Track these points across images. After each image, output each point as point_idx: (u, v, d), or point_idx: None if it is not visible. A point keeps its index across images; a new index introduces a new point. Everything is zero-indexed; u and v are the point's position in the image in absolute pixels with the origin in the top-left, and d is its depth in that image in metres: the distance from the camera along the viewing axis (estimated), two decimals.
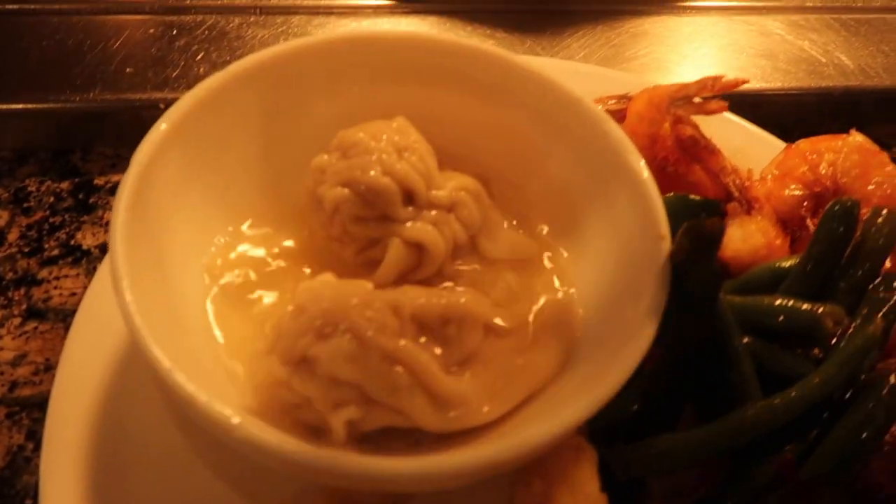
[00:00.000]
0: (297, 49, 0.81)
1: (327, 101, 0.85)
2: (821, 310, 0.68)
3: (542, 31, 1.18)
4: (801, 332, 0.69)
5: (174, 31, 1.10)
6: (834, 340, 0.69)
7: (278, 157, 0.83)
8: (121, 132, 1.04)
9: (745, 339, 0.70)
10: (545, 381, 0.71)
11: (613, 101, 1.01)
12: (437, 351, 0.72)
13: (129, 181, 0.68)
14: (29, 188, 1.02)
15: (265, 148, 0.83)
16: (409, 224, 0.78)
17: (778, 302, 0.70)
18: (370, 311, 0.66)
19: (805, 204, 0.87)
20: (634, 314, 0.68)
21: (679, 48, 1.20)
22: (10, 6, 1.12)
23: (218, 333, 0.72)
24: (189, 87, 0.76)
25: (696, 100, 0.86)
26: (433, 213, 0.80)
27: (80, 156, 1.06)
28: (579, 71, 1.08)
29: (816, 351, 0.69)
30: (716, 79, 0.84)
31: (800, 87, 1.18)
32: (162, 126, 0.73)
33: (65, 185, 1.02)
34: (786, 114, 1.17)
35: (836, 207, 0.72)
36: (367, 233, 0.79)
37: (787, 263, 0.76)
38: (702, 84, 0.84)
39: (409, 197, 0.79)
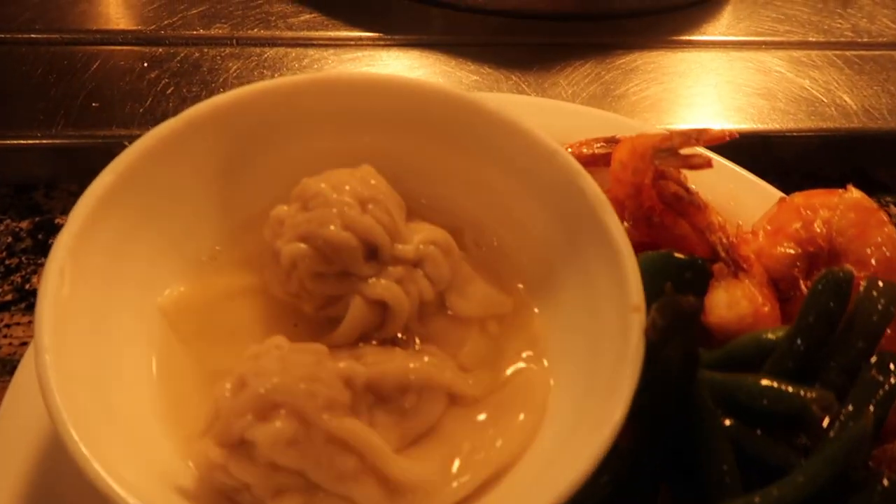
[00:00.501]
0: (257, 93, 0.77)
1: (290, 148, 0.80)
2: (809, 395, 0.62)
3: (529, 67, 1.13)
4: (786, 417, 0.63)
5: (145, 64, 1.06)
6: (825, 424, 0.63)
7: (237, 207, 0.79)
8: (88, 169, 0.99)
9: (727, 422, 0.65)
10: (509, 464, 0.66)
11: (600, 145, 0.96)
12: (393, 425, 0.67)
13: (64, 239, 0.64)
14: None
15: (223, 197, 0.78)
16: (371, 281, 0.74)
17: (763, 383, 0.65)
18: (318, 385, 0.62)
19: (798, 264, 0.81)
20: (605, 392, 0.63)
21: (672, 86, 1.15)
22: None
23: (164, 402, 0.68)
24: (157, 123, 0.72)
25: (683, 152, 0.81)
26: (398, 269, 0.75)
27: (44, 192, 1.02)
28: (565, 110, 1.03)
29: (803, 439, 0.64)
30: (701, 132, 0.79)
31: (799, 129, 1.12)
32: (106, 178, 0.68)
33: (24, 224, 0.99)
34: (785, 156, 1.11)
35: (827, 279, 0.66)
36: (327, 290, 0.74)
37: (774, 336, 0.71)
38: (686, 136, 0.79)
39: (372, 252, 0.74)
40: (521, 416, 0.70)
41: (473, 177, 0.82)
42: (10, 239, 0.97)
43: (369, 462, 0.61)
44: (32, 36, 1.09)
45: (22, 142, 0.98)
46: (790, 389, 0.63)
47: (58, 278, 0.62)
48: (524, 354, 0.76)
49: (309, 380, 0.61)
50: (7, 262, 0.95)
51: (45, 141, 0.98)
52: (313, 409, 0.60)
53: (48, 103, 1.01)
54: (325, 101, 0.80)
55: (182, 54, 1.08)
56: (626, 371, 0.62)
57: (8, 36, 1.08)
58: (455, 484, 0.64)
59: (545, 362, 0.74)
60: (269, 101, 0.78)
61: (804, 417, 0.62)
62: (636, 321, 0.64)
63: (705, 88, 1.16)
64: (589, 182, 0.73)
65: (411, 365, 0.69)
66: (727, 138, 0.79)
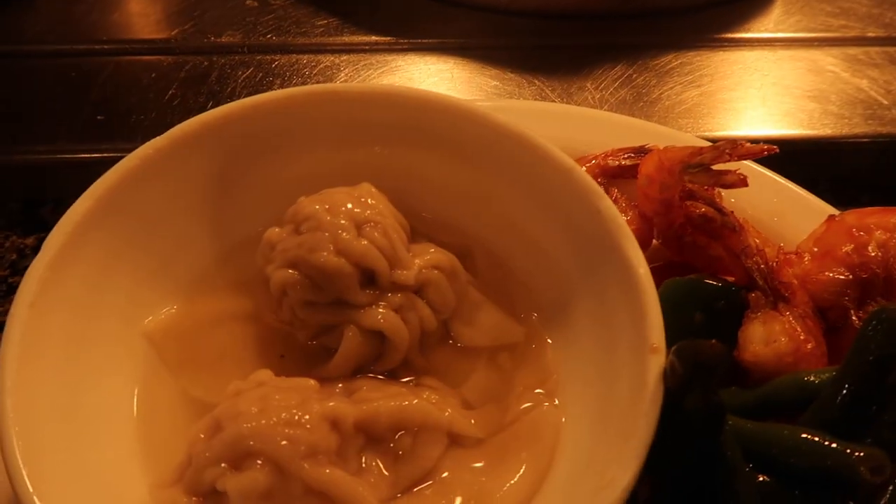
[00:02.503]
0: (248, 108, 0.72)
1: (287, 163, 0.76)
2: (857, 454, 0.54)
3: (554, 71, 1.05)
4: (829, 478, 0.55)
5: (153, 74, 1.03)
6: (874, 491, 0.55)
7: (230, 227, 0.75)
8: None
9: (759, 478, 0.57)
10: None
11: (628, 156, 0.88)
12: (385, 472, 0.62)
13: (36, 270, 0.61)
14: None
15: (215, 217, 0.74)
16: (367, 310, 0.68)
17: (802, 437, 0.57)
18: (299, 430, 0.57)
19: (849, 292, 0.72)
20: (619, 438, 0.56)
21: (712, 90, 1.06)
22: None
23: (141, 443, 0.64)
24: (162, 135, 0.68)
25: (715, 168, 0.72)
26: (397, 296, 0.70)
27: (52, 208, 1.00)
28: (590, 118, 0.95)
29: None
30: (735, 144, 0.70)
31: (855, 135, 1.01)
32: (84, 204, 0.65)
33: (30, 240, 0.97)
34: (838, 167, 1.01)
35: (881, 317, 0.57)
36: (319, 319, 0.69)
37: (817, 378, 0.62)
38: (718, 151, 0.70)
39: (370, 278, 0.69)
40: (527, 462, 0.63)
41: (484, 193, 0.76)
42: (14, 256, 0.95)
43: None
44: (43, 48, 1.08)
45: (29, 157, 0.96)
46: (835, 446, 0.55)
47: (27, 312, 0.58)
48: (535, 391, 0.69)
49: (290, 425, 0.56)
50: (10, 280, 0.93)
51: (48, 156, 0.96)
52: (292, 458, 0.55)
53: (54, 118, 0.99)
54: (322, 113, 0.75)
55: (190, 63, 1.04)
56: (640, 420, 0.55)
57: (18, 48, 1.07)
58: None
59: (556, 401, 0.67)
60: (262, 116, 0.73)
61: (850, 482, 0.54)
62: (654, 363, 0.56)
63: (749, 91, 1.06)
64: (607, 204, 0.66)
65: (407, 402, 0.63)
66: (765, 153, 0.70)
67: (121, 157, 0.69)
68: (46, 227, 0.97)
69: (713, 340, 0.52)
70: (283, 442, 0.55)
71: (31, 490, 0.50)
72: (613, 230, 0.65)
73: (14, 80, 1.04)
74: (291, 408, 0.58)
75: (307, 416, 0.58)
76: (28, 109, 1.00)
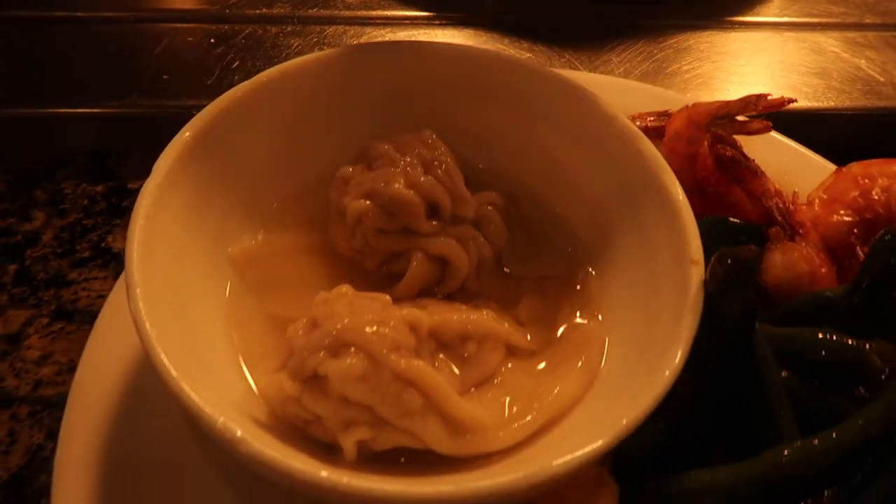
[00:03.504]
0: (323, 59, 0.80)
1: (354, 112, 0.84)
2: (868, 346, 0.63)
3: (581, 45, 1.15)
4: (845, 369, 0.64)
5: (212, 40, 1.11)
6: (883, 378, 0.63)
7: (303, 167, 0.82)
8: (156, 138, 1.04)
9: (784, 374, 0.66)
10: (566, 409, 0.68)
11: (652, 119, 0.97)
12: (455, 370, 0.70)
13: (149, 188, 0.68)
14: (65, 190, 1.04)
15: (289, 158, 0.82)
16: (432, 238, 0.76)
17: (820, 335, 0.65)
18: (385, 328, 0.64)
19: (855, 231, 0.81)
20: (663, 341, 0.64)
21: (725, 65, 1.15)
22: (58, 13, 1.15)
23: (236, 341, 0.71)
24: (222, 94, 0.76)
25: (739, 119, 0.82)
26: (458, 227, 0.78)
27: (116, 160, 1.07)
28: (617, 86, 1.04)
29: (862, 391, 0.64)
30: (760, 97, 0.79)
31: (854, 108, 1.11)
32: (185, 135, 0.72)
33: (99, 188, 1.04)
34: (839, 136, 1.11)
35: (889, 237, 0.67)
36: (390, 245, 0.77)
37: (832, 294, 0.71)
38: (745, 102, 0.80)
39: (434, 210, 0.77)
40: (579, 364, 0.71)
41: (531, 142, 0.84)
42: (86, 201, 1.02)
43: (434, 401, 0.63)
44: (104, 14, 1.15)
45: (97, 110, 1.03)
46: (849, 341, 0.64)
47: (143, 222, 0.66)
48: (579, 313, 0.77)
49: (377, 323, 0.64)
50: (84, 222, 1.00)
51: (118, 110, 1.03)
52: (381, 349, 0.62)
53: (121, 76, 1.06)
54: (385, 67, 0.83)
55: (246, 31, 1.12)
56: (685, 319, 0.63)
57: (82, 15, 1.14)
58: (515, 425, 0.65)
59: (600, 317, 0.75)
60: (333, 68, 0.81)
61: (864, 370, 0.63)
62: (695, 273, 0.65)
63: (758, 67, 1.16)
64: (646, 143, 0.75)
65: (472, 316, 0.71)
66: (786, 104, 0.80)
67: (185, 113, 0.75)
68: (113, 177, 1.06)
69: (750, 245, 0.60)
70: (373, 336, 0.63)
71: (166, 363, 0.57)
72: (654, 166, 0.73)
73: (77, 44, 1.11)
74: (376, 311, 0.66)
75: (390, 319, 0.66)
76: (95, 70, 1.08)
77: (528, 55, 1.13)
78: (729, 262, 0.61)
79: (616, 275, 0.77)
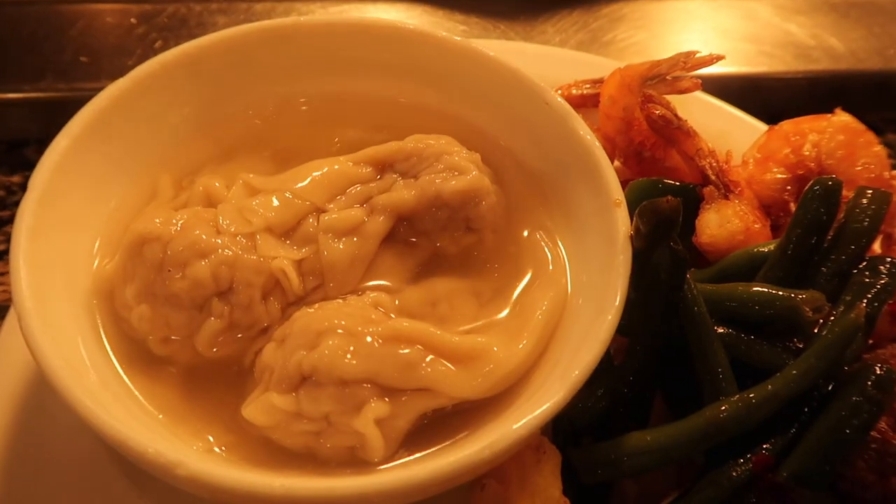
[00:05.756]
0: (239, 34, 0.76)
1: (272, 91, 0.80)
2: (800, 297, 0.63)
3: (517, 16, 1.13)
4: (778, 321, 0.64)
5: (132, 20, 1.06)
6: (815, 330, 0.64)
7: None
8: None
9: (719, 330, 0.65)
10: (555, 323, 0.66)
11: (588, 86, 0.96)
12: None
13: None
14: None
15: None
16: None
17: (754, 289, 0.65)
18: (351, 309, 0.62)
19: (788, 188, 0.82)
20: (602, 282, 0.63)
21: (660, 33, 1.16)
22: None
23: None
24: None
25: (669, 78, 0.81)
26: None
27: (36, 148, 1.01)
28: (554, 56, 1.03)
29: (796, 341, 0.64)
30: (689, 54, 0.79)
31: (786, 72, 1.13)
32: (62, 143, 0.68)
33: (16, 178, 0.98)
34: (772, 99, 1.12)
35: (817, 188, 0.67)
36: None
37: (765, 248, 0.71)
38: (674, 61, 0.79)
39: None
40: (550, 294, 0.69)
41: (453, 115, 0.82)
42: (3, 192, 0.97)
43: (429, 345, 0.60)
44: None
45: (12, 96, 0.98)
46: (781, 293, 0.64)
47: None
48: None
49: (342, 310, 0.62)
50: (0, 214, 0.95)
51: (35, 94, 0.98)
52: (356, 325, 0.60)
53: (38, 58, 1.00)
54: (305, 45, 0.79)
55: (169, 10, 1.08)
56: (618, 260, 0.62)
57: None
58: (518, 342, 0.63)
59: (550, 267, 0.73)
60: (249, 44, 0.77)
61: (796, 320, 0.63)
62: (620, 215, 0.65)
63: (692, 35, 1.17)
64: (552, 96, 0.73)
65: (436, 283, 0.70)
66: (714, 61, 0.80)
67: None
68: (31, 166, 1.00)
69: (668, 197, 0.59)
70: (345, 318, 0.60)
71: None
72: (564, 116, 0.72)
73: None
74: (336, 306, 0.64)
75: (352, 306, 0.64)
76: (10, 53, 1.02)
77: (462, 28, 1.12)
78: (650, 215, 0.60)
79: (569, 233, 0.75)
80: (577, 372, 0.56)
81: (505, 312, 0.69)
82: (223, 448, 0.60)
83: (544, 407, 0.55)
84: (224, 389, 0.65)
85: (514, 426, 0.54)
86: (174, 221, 0.64)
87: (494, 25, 1.12)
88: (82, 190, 0.68)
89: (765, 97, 1.10)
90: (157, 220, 0.64)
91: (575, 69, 0.98)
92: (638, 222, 0.62)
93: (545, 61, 1.01)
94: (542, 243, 0.74)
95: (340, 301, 0.65)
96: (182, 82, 0.75)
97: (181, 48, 0.75)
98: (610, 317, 0.59)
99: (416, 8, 1.14)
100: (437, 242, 0.73)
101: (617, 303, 0.60)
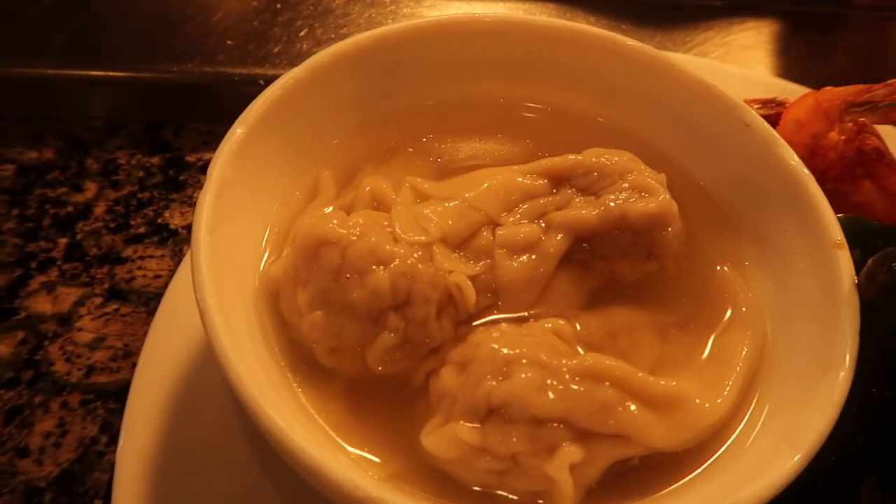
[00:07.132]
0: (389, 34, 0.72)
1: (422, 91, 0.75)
2: None
3: (674, 26, 1.06)
4: None
5: (278, 6, 1.03)
6: None
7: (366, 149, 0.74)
8: (216, 108, 0.97)
9: None
10: (757, 368, 0.60)
11: (758, 106, 0.89)
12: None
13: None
14: (119, 160, 0.97)
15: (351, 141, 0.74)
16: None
17: None
18: (537, 339, 0.57)
19: None
20: (823, 338, 0.57)
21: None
22: None
23: None
24: (291, 63, 0.68)
25: (881, 107, 0.73)
26: None
27: (173, 130, 0.99)
28: (718, 70, 0.95)
29: None
30: None
31: None
32: (236, 131, 0.64)
33: (155, 159, 0.96)
34: None
35: None
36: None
37: None
38: (892, 88, 0.71)
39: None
40: (748, 333, 0.63)
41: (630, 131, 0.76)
42: (141, 173, 0.95)
43: (626, 386, 0.55)
44: None
45: (154, 75, 0.96)
46: None
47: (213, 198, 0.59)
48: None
49: (527, 337, 0.57)
50: (140, 195, 0.93)
51: (177, 76, 0.95)
52: (550, 357, 0.55)
53: (183, 40, 0.98)
54: (477, 43, 0.75)
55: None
56: (843, 308, 0.56)
57: None
58: (719, 391, 0.58)
59: (743, 309, 0.66)
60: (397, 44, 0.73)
61: None
62: (842, 258, 0.59)
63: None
64: (753, 117, 0.68)
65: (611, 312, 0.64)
66: None
67: (250, 82, 0.69)
68: (170, 148, 0.98)
69: None
70: (535, 348, 0.56)
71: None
72: (767, 141, 0.66)
73: (140, 5, 1.04)
74: (519, 332, 0.58)
75: (534, 333, 0.59)
76: (155, 33, 1.00)
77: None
78: (891, 265, 0.53)
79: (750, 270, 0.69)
80: (813, 435, 0.50)
81: (696, 354, 0.63)
82: (395, 475, 0.56)
83: (777, 475, 0.48)
84: (389, 409, 0.60)
85: (748, 493, 0.48)
86: (351, 224, 0.60)
87: (651, 35, 1.05)
88: (251, 183, 0.65)
89: None
90: (334, 222, 0.60)
91: (740, 87, 0.91)
92: (872, 270, 0.55)
93: (710, 76, 0.95)
94: (732, 280, 0.67)
95: (519, 325, 0.60)
96: (350, 75, 0.72)
97: (353, 40, 0.72)
98: (842, 374, 0.53)
99: (567, 12, 1.08)
100: (614, 268, 0.68)
101: (847, 361, 0.53)
